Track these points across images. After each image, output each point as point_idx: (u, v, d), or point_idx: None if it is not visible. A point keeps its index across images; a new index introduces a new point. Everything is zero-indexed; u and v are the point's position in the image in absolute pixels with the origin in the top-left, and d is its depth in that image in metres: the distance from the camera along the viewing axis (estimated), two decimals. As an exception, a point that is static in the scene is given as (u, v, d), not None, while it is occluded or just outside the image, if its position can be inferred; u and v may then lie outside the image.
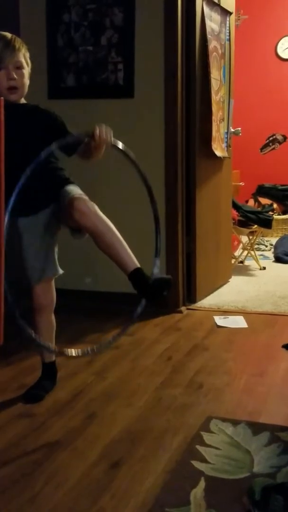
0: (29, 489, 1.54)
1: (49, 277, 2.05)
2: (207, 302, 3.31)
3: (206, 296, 3.38)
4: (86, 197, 1.89)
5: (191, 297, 3.27)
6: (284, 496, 1.36)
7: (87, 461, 1.68)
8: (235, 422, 1.89)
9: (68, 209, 1.86)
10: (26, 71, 1.97)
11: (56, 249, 2.06)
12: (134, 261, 1.86)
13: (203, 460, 1.68)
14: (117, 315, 2.95)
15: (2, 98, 1.29)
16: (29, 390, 2.08)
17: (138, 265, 1.86)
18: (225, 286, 3.67)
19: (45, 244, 2.01)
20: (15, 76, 1.92)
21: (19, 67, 1.94)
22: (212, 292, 3.48)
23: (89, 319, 2.99)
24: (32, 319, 2.09)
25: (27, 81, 1.98)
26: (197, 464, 1.65)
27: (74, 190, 1.96)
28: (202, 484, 1.55)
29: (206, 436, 1.81)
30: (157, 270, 1.92)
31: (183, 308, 3.17)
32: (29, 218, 1.99)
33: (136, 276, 1.84)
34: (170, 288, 1.86)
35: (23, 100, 2.02)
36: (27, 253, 2.01)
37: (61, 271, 2.06)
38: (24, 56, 1.96)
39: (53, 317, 2.11)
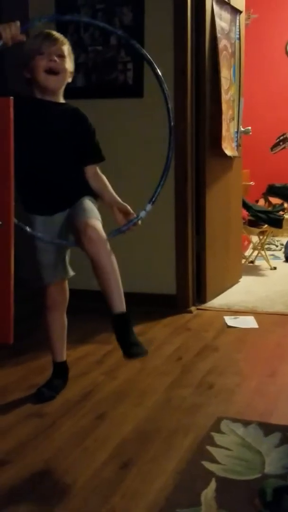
0: (40, 488, 1.54)
1: (61, 279, 2.05)
2: (217, 302, 3.30)
3: (216, 296, 3.37)
4: (99, 224, 1.88)
5: (201, 297, 3.26)
6: (296, 497, 1.34)
7: (97, 461, 1.68)
8: (246, 423, 1.88)
9: (79, 231, 1.86)
10: (69, 65, 1.93)
11: (68, 252, 2.05)
12: (123, 305, 1.85)
13: (214, 460, 1.66)
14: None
15: (11, 97, 1.29)
16: (39, 390, 2.08)
17: (125, 310, 1.85)
18: (235, 286, 3.65)
19: (58, 247, 2.00)
20: (56, 59, 1.88)
21: (61, 55, 1.91)
22: (222, 292, 3.46)
23: (98, 319, 2.98)
24: (43, 318, 2.09)
25: (68, 73, 1.93)
26: (207, 465, 1.64)
27: (90, 209, 1.93)
28: (213, 485, 1.54)
29: (216, 437, 1.80)
30: (144, 213, 1.92)
31: (193, 308, 3.15)
32: (45, 218, 1.98)
33: (120, 322, 1.83)
34: (140, 357, 1.83)
35: (61, 99, 1.98)
36: (40, 253, 2.00)
37: (72, 273, 2.06)
38: (68, 50, 1.94)
39: (65, 316, 2.11)
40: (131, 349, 1.79)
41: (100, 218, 1.93)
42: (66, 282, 2.09)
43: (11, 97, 1.29)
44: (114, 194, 1.99)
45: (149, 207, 1.94)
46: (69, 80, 1.97)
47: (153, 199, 1.94)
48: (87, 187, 2.01)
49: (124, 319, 1.84)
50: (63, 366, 2.15)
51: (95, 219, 1.88)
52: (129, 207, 1.94)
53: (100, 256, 1.83)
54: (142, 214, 1.93)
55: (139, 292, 3.17)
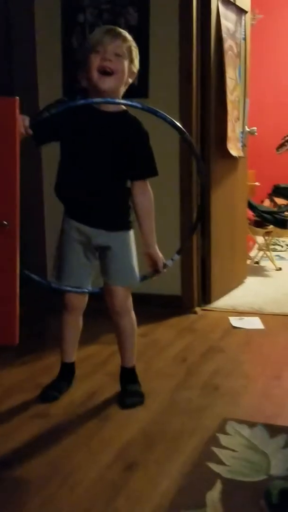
0: (44, 490, 1.54)
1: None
2: (223, 303, 3.29)
3: (221, 297, 3.36)
4: (124, 293, 1.99)
5: (206, 298, 3.25)
6: (302, 500, 1.33)
7: (102, 462, 1.67)
8: (251, 424, 1.87)
9: (105, 291, 1.99)
10: (127, 64, 1.76)
11: (92, 272, 2.03)
12: (132, 361, 2.11)
13: (219, 462, 1.66)
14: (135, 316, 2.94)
15: (17, 98, 1.29)
16: (44, 390, 2.08)
17: (132, 366, 2.11)
18: (240, 287, 3.64)
19: (84, 258, 1.98)
20: (111, 58, 1.73)
21: (119, 54, 1.74)
22: (227, 293, 3.45)
23: (102, 320, 2.97)
24: (60, 317, 2.08)
25: (125, 72, 1.76)
26: (213, 466, 1.63)
27: (123, 268, 1.95)
28: (218, 486, 1.53)
29: (222, 438, 1.79)
30: (170, 263, 2.00)
31: (198, 309, 3.15)
32: (77, 224, 1.92)
33: (125, 374, 2.10)
34: (133, 407, 2.01)
35: (121, 107, 1.84)
36: (69, 259, 1.97)
37: (90, 289, 2.03)
38: (128, 49, 1.77)
39: (81, 319, 2.11)
40: (125, 399, 2.01)
41: (128, 281, 1.97)
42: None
43: (17, 98, 1.29)
44: (151, 235, 1.93)
45: (176, 257, 2.04)
46: (130, 81, 1.83)
47: (181, 251, 2.09)
48: (127, 218, 1.94)
49: (129, 373, 2.10)
50: (71, 367, 2.14)
51: (124, 288, 1.98)
52: (159, 259, 1.96)
53: (124, 326, 2.04)
54: (169, 263, 1.99)
55: (144, 293, 3.16)
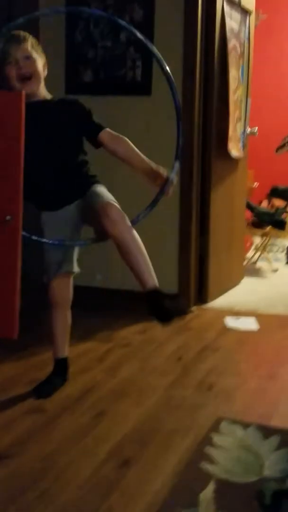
0: (38, 486, 1.54)
1: (64, 273, 2.05)
2: (219, 302, 3.30)
3: (217, 296, 3.37)
4: (117, 205, 1.90)
5: (202, 297, 3.25)
6: (295, 501, 1.34)
7: (96, 459, 1.67)
8: (245, 424, 1.87)
9: (99, 214, 1.86)
10: (39, 61, 1.92)
11: (77, 249, 2.05)
12: (154, 279, 1.86)
13: (213, 461, 1.66)
14: (127, 313, 2.95)
15: (23, 91, 1.29)
16: (38, 385, 2.08)
17: (157, 284, 1.85)
18: (237, 287, 3.65)
19: (65, 240, 2.01)
20: (23, 64, 1.89)
21: (28, 57, 1.90)
22: (223, 292, 3.46)
23: (99, 316, 2.98)
24: (47, 314, 2.09)
25: (40, 70, 1.93)
26: (206, 466, 1.64)
27: (105, 194, 1.95)
28: (211, 486, 1.54)
29: (216, 438, 1.80)
30: (174, 174, 1.95)
31: (194, 308, 3.15)
32: (51, 213, 1.99)
33: (153, 297, 1.84)
34: (182, 316, 1.88)
35: (47, 95, 1.99)
36: (48, 251, 2.02)
37: (77, 270, 2.06)
38: (32, 46, 1.92)
39: (69, 313, 2.11)
40: (167, 315, 1.84)
41: (115, 201, 1.92)
42: (71, 279, 2.09)
43: (23, 92, 1.29)
44: (143, 156, 1.96)
45: (176, 165, 1.96)
46: (45, 73, 1.96)
47: (177, 155, 1.98)
48: (92, 177, 2.02)
49: (157, 294, 1.84)
50: (64, 362, 2.15)
51: (111, 201, 1.89)
52: (162, 170, 1.93)
53: (124, 236, 1.84)
54: (173, 177, 1.94)
55: (140, 290, 3.17)
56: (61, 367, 2.14)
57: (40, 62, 1.94)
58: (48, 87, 3.24)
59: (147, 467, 1.64)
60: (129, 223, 1.87)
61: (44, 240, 1.95)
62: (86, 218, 2.00)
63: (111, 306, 3.10)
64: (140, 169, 1.98)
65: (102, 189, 1.98)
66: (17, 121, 1.23)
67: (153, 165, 1.96)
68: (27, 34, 1.93)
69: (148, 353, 2.53)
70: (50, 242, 1.95)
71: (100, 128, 2.00)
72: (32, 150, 1.88)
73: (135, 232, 1.87)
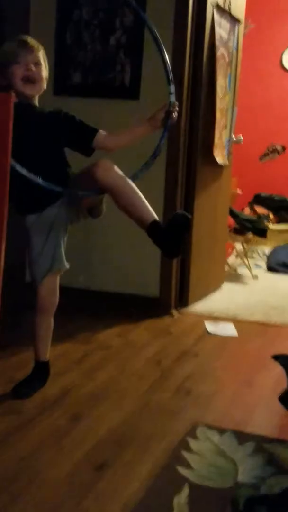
0: (13, 487, 1.54)
1: (54, 273, 2.04)
2: (199, 307, 3.32)
3: (198, 300, 3.39)
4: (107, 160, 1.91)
5: (183, 301, 3.28)
6: (268, 508, 1.36)
7: (72, 461, 1.68)
8: (221, 430, 1.89)
9: (90, 170, 1.87)
10: (44, 71, 1.97)
11: (63, 245, 2.06)
12: (153, 215, 1.86)
13: (188, 466, 1.68)
14: (108, 315, 2.96)
15: (13, 93, 1.29)
16: (17, 386, 2.08)
17: (156, 218, 1.85)
18: (217, 292, 3.68)
19: (52, 241, 2.02)
20: (33, 68, 1.92)
21: (38, 63, 1.94)
22: (204, 297, 3.49)
23: (80, 317, 2.98)
24: (32, 317, 2.09)
25: (45, 79, 1.97)
26: (182, 470, 1.65)
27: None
28: (186, 490, 1.56)
29: (192, 443, 1.81)
30: (173, 98, 2.01)
31: (174, 312, 3.17)
32: (36, 215, 2.00)
33: (154, 229, 1.84)
34: (188, 229, 1.86)
35: (36, 101, 2.01)
36: (33, 251, 2.02)
37: (67, 266, 2.07)
38: (42, 56, 1.97)
39: (52, 319, 2.11)
40: (174, 246, 1.83)
41: None
42: (58, 284, 2.08)
43: (12, 93, 1.29)
44: (136, 127, 2.03)
45: (172, 88, 2.01)
46: (44, 86, 2.00)
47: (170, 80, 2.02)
48: (68, 174, 2.03)
49: (157, 226, 1.84)
50: (45, 365, 2.14)
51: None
52: (160, 108, 1.99)
53: (116, 181, 1.84)
54: (172, 98, 1.99)
55: (122, 293, 3.18)
56: (41, 370, 2.13)
57: (45, 74, 1.98)
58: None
59: (123, 470, 1.65)
60: (120, 171, 1.88)
61: (39, 181, 1.87)
62: (76, 205, 2.00)
63: (92, 307, 3.10)
64: (136, 134, 2.04)
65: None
66: (6, 122, 1.23)
67: (143, 122, 2.01)
68: (40, 45, 1.98)
69: (127, 357, 2.54)
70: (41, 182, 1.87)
71: (91, 135, 2.01)
72: (15, 148, 1.90)
73: (127, 178, 1.88)
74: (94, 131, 2.01)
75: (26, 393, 2.05)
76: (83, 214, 2.09)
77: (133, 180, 1.92)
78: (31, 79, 1.93)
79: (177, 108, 2.02)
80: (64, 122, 2.00)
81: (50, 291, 2.06)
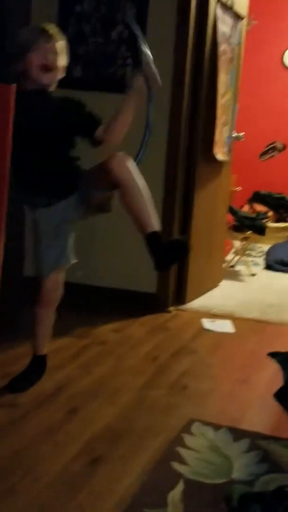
0: (7, 480, 1.54)
1: (60, 267, 2.04)
2: (196, 304, 3.32)
3: (195, 298, 3.39)
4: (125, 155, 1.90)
5: (180, 298, 3.27)
6: (262, 505, 1.36)
7: (67, 456, 1.68)
8: (216, 427, 1.90)
9: (106, 160, 1.87)
10: (62, 61, 1.95)
11: (71, 240, 2.05)
12: (155, 223, 1.87)
13: (183, 462, 1.68)
14: (105, 310, 2.95)
15: (13, 85, 1.28)
16: (14, 379, 2.07)
17: (157, 228, 1.86)
18: (215, 290, 3.68)
19: (60, 236, 2.02)
20: (51, 57, 1.91)
21: (55, 52, 1.92)
22: (201, 294, 3.48)
23: (77, 312, 2.97)
24: (33, 310, 2.08)
25: (62, 69, 1.96)
26: (176, 466, 1.66)
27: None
28: (180, 486, 1.56)
29: (187, 438, 1.82)
30: (147, 57, 2.01)
31: (172, 308, 3.17)
32: (45, 210, 1.99)
33: (154, 240, 1.85)
34: (186, 254, 1.87)
35: (52, 89, 1.98)
36: (40, 243, 2.02)
37: (74, 260, 2.06)
38: (62, 45, 1.95)
39: (53, 313, 2.11)
40: (167, 258, 1.86)
41: None
42: (63, 278, 2.07)
43: (14, 85, 1.28)
44: (125, 100, 1.98)
45: (146, 51, 2.00)
46: (62, 75, 1.98)
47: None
48: (79, 167, 2.02)
49: (157, 237, 1.86)
50: (42, 360, 2.14)
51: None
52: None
53: (128, 176, 1.85)
54: (145, 58, 1.97)
55: (119, 288, 3.18)
56: (38, 364, 2.13)
57: (63, 65, 1.96)
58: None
59: (117, 465, 1.65)
60: (135, 167, 1.88)
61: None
62: (86, 202, 2.00)
63: (90, 302, 3.10)
64: (130, 110, 1.99)
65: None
66: (6, 114, 1.22)
67: (129, 98, 1.99)
68: (60, 33, 1.95)
69: (123, 352, 2.54)
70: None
71: (95, 125, 1.99)
72: (24, 138, 1.88)
73: (140, 176, 1.88)
74: (98, 123, 2.00)
75: (22, 387, 2.05)
76: (91, 210, 2.08)
77: (137, 164, 1.91)
78: (48, 68, 1.91)
79: (153, 67, 1.98)
80: (74, 109, 1.99)
81: (55, 284, 2.05)
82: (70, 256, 2.05)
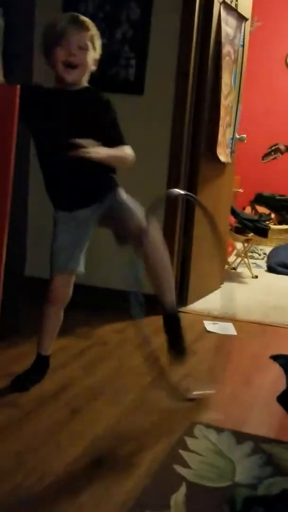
0: (9, 481, 1.53)
1: (69, 271, 2.03)
2: (198, 306, 3.31)
3: (197, 299, 3.38)
4: (157, 226, 1.98)
5: (183, 300, 3.26)
6: (265, 509, 1.35)
7: (69, 456, 1.67)
8: (219, 429, 1.89)
9: (135, 236, 1.91)
10: (91, 54, 1.85)
11: (84, 248, 2.04)
12: (173, 300, 2.04)
13: (186, 465, 1.67)
14: (107, 311, 2.94)
15: (18, 85, 1.27)
16: (17, 378, 2.07)
17: (175, 309, 2.04)
18: (216, 292, 3.67)
19: (74, 241, 2.00)
20: (75, 53, 1.81)
21: (83, 47, 1.82)
22: (203, 296, 3.47)
23: (79, 313, 2.96)
24: (41, 309, 2.07)
25: (89, 63, 1.85)
26: (179, 469, 1.65)
27: (134, 208, 1.95)
28: (183, 489, 1.55)
29: (189, 441, 1.81)
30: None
31: (173, 310, 3.15)
32: (65, 213, 1.98)
33: (172, 320, 2.07)
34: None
35: (82, 84, 1.91)
36: (55, 242, 2.00)
37: (82, 270, 2.05)
38: (91, 39, 1.84)
39: (61, 314, 2.10)
40: (180, 345, 2.01)
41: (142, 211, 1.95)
42: (73, 279, 2.06)
43: (17, 85, 1.27)
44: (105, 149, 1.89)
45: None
46: (93, 68, 1.90)
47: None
48: (111, 179, 1.98)
49: (176, 319, 2.08)
50: (46, 360, 2.13)
51: (147, 222, 1.91)
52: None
53: (163, 260, 1.96)
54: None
55: (122, 290, 3.16)
56: (42, 364, 2.12)
57: (92, 55, 1.86)
58: (42, 80, 3.22)
59: (120, 467, 1.64)
60: (163, 245, 1.96)
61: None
62: (106, 224, 2.00)
63: (92, 303, 3.08)
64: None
65: (127, 201, 1.96)
66: (11, 114, 1.22)
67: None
68: (90, 23, 1.84)
69: (126, 353, 2.53)
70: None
71: (120, 142, 1.93)
72: (52, 139, 1.87)
73: (167, 253, 1.97)
74: (121, 142, 1.93)
75: (25, 386, 2.04)
76: (108, 227, 2.05)
77: None
78: (72, 64, 1.82)
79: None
80: (103, 115, 1.91)
81: (62, 285, 2.03)
82: (79, 263, 2.03)
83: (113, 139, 1.92)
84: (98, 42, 1.89)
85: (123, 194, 2.00)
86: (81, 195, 1.95)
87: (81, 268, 2.04)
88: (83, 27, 1.82)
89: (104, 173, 1.97)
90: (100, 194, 1.96)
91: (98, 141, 1.89)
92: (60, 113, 1.90)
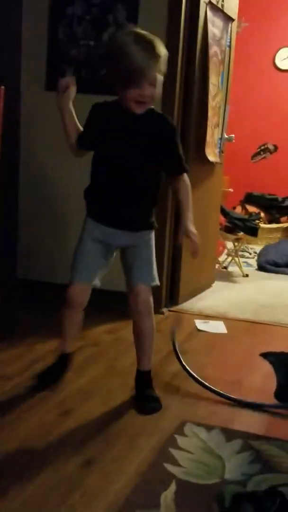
0: None
1: (83, 283, 2.04)
2: (189, 305, 3.33)
3: (188, 299, 3.40)
4: (150, 293, 2.04)
5: (173, 299, 3.28)
6: (254, 505, 1.37)
7: (59, 457, 1.68)
8: (209, 427, 1.90)
9: (131, 292, 2.03)
10: (160, 83, 1.82)
11: (106, 263, 2.06)
12: (150, 364, 2.11)
13: (176, 463, 1.69)
14: (98, 312, 2.94)
15: (2, 87, 1.28)
16: (40, 376, 2.13)
17: (149, 368, 2.11)
18: (207, 291, 3.69)
19: (96, 255, 2.02)
20: (148, 91, 1.79)
21: (152, 84, 1.79)
22: (194, 295, 3.49)
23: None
24: (62, 312, 2.10)
25: (159, 93, 1.85)
26: (169, 467, 1.66)
27: (148, 265, 2.02)
28: (173, 487, 1.56)
29: (180, 439, 1.82)
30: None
31: (164, 310, 3.17)
32: (98, 225, 2.00)
33: (144, 377, 2.10)
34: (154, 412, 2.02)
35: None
36: (78, 252, 2.02)
37: (98, 284, 2.08)
38: (162, 64, 1.80)
39: (82, 313, 2.12)
40: (146, 405, 2.01)
41: (155, 272, 2.04)
42: (89, 290, 2.08)
43: (2, 87, 1.28)
44: (189, 219, 2.00)
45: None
46: (160, 91, 1.88)
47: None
48: (152, 217, 2.04)
49: (147, 376, 2.11)
50: (67, 357, 2.19)
51: (147, 288, 2.02)
52: (195, 236, 2.02)
53: (144, 326, 2.05)
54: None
55: (113, 290, 3.17)
56: (64, 361, 2.18)
57: (161, 83, 1.83)
58: (29, 83, 3.24)
59: (110, 467, 1.65)
60: (152, 316, 2.05)
61: None
62: (122, 254, 2.06)
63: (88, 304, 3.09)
64: (183, 211, 2.03)
65: (149, 257, 2.02)
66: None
67: (187, 221, 2.00)
68: (162, 48, 1.78)
69: (117, 354, 2.54)
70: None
71: (178, 169, 1.97)
72: (110, 153, 1.91)
73: (153, 320, 2.06)
74: (182, 170, 1.98)
75: (48, 382, 2.11)
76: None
77: None
78: (142, 102, 1.82)
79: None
80: (167, 143, 1.93)
81: (80, 290, 2.04)
82: (96, 276, 2.05)
83: (177, 168, 1.98)
84: (166, 60, 1.83)
85: (152, 241, 2.05)
86: (122, 216, 1.96)
87: (97, 281, 2.06)
88: (158, 57, 1.77)
89: (151, 207, 2.02)
90: (138, 224, 1.99)
91: (160, 163, 1.95)
92: (131, 133, 1.90)
